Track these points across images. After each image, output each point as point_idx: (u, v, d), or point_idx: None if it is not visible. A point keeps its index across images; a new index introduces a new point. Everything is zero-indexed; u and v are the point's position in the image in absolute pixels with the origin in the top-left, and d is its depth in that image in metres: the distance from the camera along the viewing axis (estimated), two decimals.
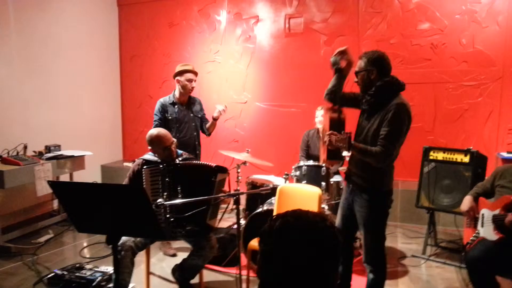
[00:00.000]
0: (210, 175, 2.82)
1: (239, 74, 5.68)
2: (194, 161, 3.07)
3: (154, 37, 6.10)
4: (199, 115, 4.08)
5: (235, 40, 5.67)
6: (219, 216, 3.09)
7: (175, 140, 3.04)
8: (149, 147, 3.01)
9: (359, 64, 2.57)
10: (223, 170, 2.88)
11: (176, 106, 3.94)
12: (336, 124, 2.59)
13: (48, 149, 4.61)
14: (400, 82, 2.56)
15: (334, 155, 2.61)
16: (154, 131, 3.00)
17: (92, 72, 5.80)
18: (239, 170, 4.00)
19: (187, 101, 4.02)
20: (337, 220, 2.82)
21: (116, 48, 6.33)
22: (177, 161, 2.99)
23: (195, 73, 3.99)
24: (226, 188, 3.08)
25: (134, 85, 6.34)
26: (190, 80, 3.92)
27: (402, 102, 2.47)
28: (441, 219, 4.52)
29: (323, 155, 2.70)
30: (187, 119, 3.99)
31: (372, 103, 2.53)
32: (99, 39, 5.94)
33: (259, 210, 3.46)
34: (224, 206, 4.15)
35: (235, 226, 3.96)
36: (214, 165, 2.87)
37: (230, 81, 5.74)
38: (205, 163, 2.94)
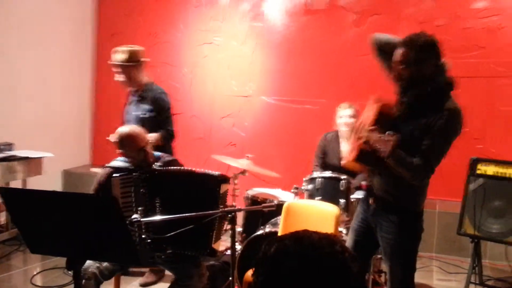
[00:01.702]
0: (211, 186, 2.87)
1: (243, 60, 5.75)
2: (181, 168, 3.12)
3: (138, 11, 6.19)
4: (146, 115, 3.91)
5: (239, 17, 5.74)
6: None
7: (151, 139, 3.09)
8: (119, 150, 3.04)
9: (404, 53, 2.47)
10: (226, 179, 2.95)
11: (130, 97, 3.99)
12: (384, 120, 2.53)
13: None
14: (453, 79, 2.56)
15: (366, 158, 2.57)
16: (124, 128, 3.07)
17: (58, 54, 5.89)
18: (236, 181, 4.04)
19: (140, 93, 3.97)
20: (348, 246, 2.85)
21: (91, 24, 6.43)
22: (154, 167, 3.04)
23: (118, 62, 3.87)
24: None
25: (111, 71, 6.38)
26: (115, 72, 3.87)
27: (456, 107, 2.48)
28: (488, 250, 4.52)
29: (350, 154, 2.62)
30: (130, 117, 3.96)
31: (417, 107, 2.52)
32: (69, 11, 6.03)
33: (260, 232, 3.50)
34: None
35: (229, 252, 4.01)
36: (217, 173, 2.92)
37: (232, 68, 5.81)
38: (203, 170, 2.99)
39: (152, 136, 3.64)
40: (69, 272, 2.14)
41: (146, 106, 3.93)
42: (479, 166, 3.96)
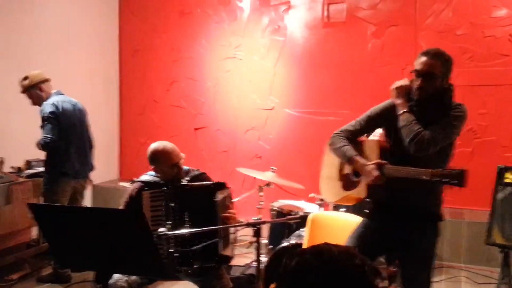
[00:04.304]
0: (208, 196, 2.86)
1: (265, 74, 5.75)
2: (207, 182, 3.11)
3: (161, 28, 6.26)
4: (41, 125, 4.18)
5: (260, 32, 5.76)
6: (233, 245, 3.12)
7: (184, 155, 3.10)
8: (151, 166, 3.06)
9: (432, 64, 2.50)
10: (220, 186, 2.93)
11: None
12: (386, 155, 2.62)
13: (29, 164, 4.72)
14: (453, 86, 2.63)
15: (376, 192, 2.61)
16: (158, 144, 3.07)
17: (86, 71, 5.98)
18: (261, 194, 4.02)
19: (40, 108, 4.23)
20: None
21: (115, 41, 6.52)
22: (184, 182, 3.04)
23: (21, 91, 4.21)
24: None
25: (136, 86, 6.50)
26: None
27: (463, 104, 2.55)
28: None
29: (361, 193, 2.66)
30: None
31: (428, 114, 2.55)
32: (95, 30, 6.14)
33: (285, 244, 3.47)
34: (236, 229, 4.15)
35: (255, 264, 3.97)
36: (210, 182, 2.94)
37: (254, 82, 5.81)
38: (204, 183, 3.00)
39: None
40: (98, 285, 2.14)
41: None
42: (507, 175, 3.86)
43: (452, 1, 4.90)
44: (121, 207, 3.10)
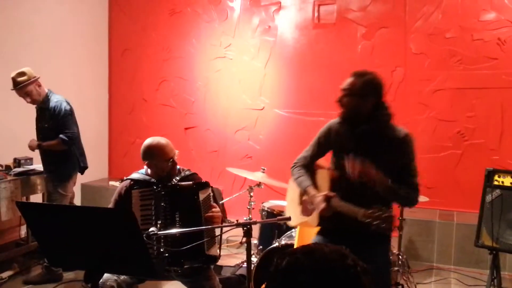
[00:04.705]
0: (192, 195, 2.86)
1: (255, 74, 5.75)
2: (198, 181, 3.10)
3: (152, 27, 6.24)
4: (46, 125, 4.18)
5: (251, 32, 5.76)
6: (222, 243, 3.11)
7: (177, 151, 3.09)
8: (145, 161, 3.03)
9: (351, 83, 2.62)
10: (202, 185, 2.93)
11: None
12: (336, 184, 2.69)
13: (17, 162, 4.69)
14: (392, 114, 2.68)
15: (326, 222, 2.68)
16: (152, 139, 3.04)
17: (75, 69, 5.93)
18: (251, 194, 4.02)
19: (40, 106, 4.20)
20: None
21: (105, 40, 6.48)
22: (175, 181, 3.02)
23: (16, 88, 4.06)
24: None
25: (125, 85, 6.46)
26: (22, 96, 4.12)
27: (409, 132, 2.63)
28: (507, 262, 4.44)
29: (313, 221, 2.73)
30: (37, 130, 4.26)
31: (371, 141, 2.61)
32: (84, 29, 6.10)
33: (276, 244, 3.47)
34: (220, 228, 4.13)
35: (245, 265, 3.96)
36: (192, 182, 2.93)
37: (244, 82, 5.81)
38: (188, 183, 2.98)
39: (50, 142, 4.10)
40: (88, 285, 2.11)
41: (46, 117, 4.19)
42: (495, 177, 3.89)
43: (442, 4, 4.93)
44: (110, 205, 3.07)
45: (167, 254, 2.82)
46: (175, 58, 6.11)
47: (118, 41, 6.45)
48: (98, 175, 6.36)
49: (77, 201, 5.96)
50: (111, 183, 5.98)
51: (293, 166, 2.97)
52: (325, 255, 1.13)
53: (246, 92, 5.80)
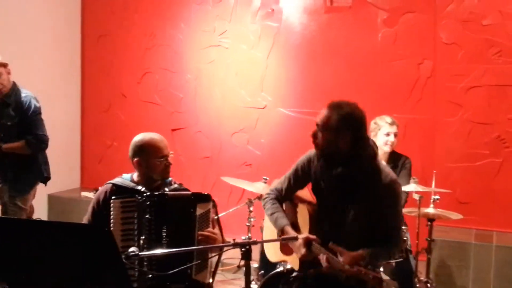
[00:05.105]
0: (187, 209, 2.85)
1: (256, 66, 5.75)
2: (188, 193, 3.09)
3: (133, 8, 6.23)
4: (9, 123, 4.14)
5: (250, 16, 5.75)
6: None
7: (172, 152, 3.08)
8: (135, 158, 3.00)
9: (326, 116, 2.68)
10: (202, 198, 2.91)
11: None
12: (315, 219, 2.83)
13: None
14: (376, 151, 2.76)
15: (307, 266, 2.75)
16: (145, 134, 3.05)
17: (39, 59, 5.92)
18: (251, 208, 4.00)
19: (2, 99, 4.16)
20: None
21: (77, 24, 6.48)
22: (166, 191, 2.99)
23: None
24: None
25: (101, 78, 6.46)
26: None
27: (395, 178, 2.72)
28: None
29: (294, 263, 2.86)
30: None
31: (350, 186, 2.67)
32: (51, 8, 6.08)
33: (280, 269, 3.43)
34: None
35: None
36: (190, 192, 2.92)
37: (242, 75, 5.81)
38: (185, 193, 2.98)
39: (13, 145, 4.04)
40: None
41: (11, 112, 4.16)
42: None
43: None
44: (86, 215, 3.05)
45: (150, 276, 2.81)
46: (160, 46, 6.11)
47: (93, 25, 6.46)
48: (68, 184, 6.37)
49: (43, 215, 5.94)
50: (84, 193, 5.94)
51: (264, 198, 3.04)
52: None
53: (245, 88, 5.80)
